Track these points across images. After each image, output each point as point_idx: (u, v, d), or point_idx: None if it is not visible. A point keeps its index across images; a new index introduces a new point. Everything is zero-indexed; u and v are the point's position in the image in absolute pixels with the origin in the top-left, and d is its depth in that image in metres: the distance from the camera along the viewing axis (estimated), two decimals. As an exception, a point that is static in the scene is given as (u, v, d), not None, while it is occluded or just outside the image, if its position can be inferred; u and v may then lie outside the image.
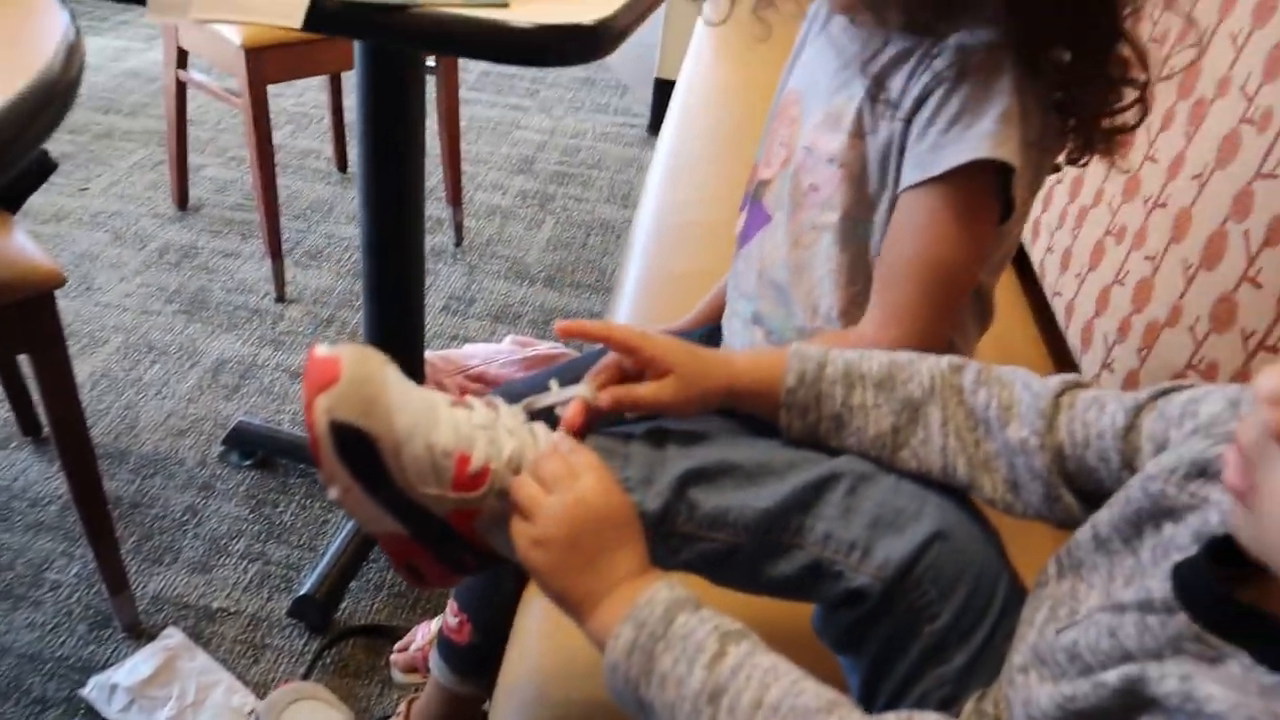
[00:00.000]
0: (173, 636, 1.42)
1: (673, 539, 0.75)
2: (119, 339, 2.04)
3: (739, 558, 0.75)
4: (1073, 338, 1.32)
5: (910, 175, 0.84)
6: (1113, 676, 0.53)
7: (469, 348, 1.92)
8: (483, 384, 1.81)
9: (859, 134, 0.89)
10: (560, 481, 0.68)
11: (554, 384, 0.78)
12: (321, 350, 0.67)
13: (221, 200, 2.57)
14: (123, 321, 2.09)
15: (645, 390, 0.76)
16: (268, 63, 1.99)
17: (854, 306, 0.93)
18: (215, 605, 1.50)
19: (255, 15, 0.84)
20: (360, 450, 0.66)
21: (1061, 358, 1.36)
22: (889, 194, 0.88)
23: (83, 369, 1.94)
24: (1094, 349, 1.25)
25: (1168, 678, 0.51)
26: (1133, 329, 1.16)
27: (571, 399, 0.76)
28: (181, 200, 2.51)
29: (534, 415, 0.77)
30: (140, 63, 3.32)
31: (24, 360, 1.43)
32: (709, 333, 1.15)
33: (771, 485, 0.74)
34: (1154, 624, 0.54)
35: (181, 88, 2.31)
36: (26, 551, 1.58)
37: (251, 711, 0.88)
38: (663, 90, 2.90)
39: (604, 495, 0.68)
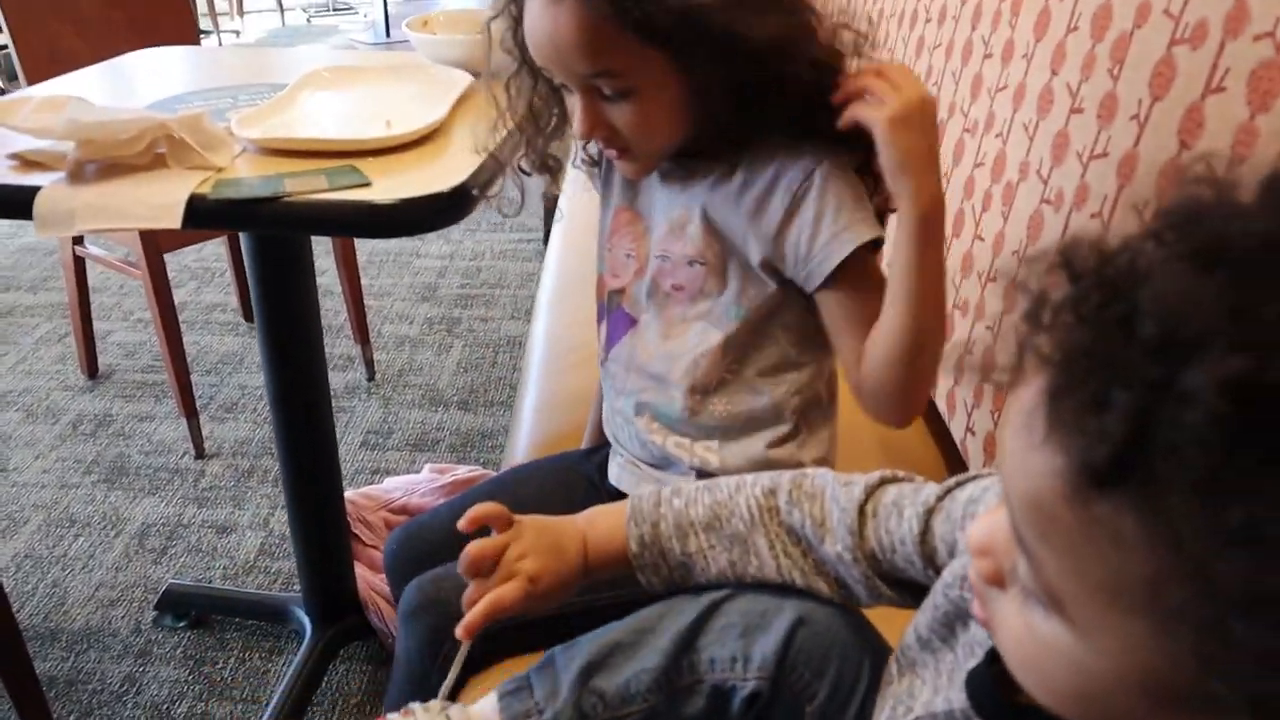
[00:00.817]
0: None
1: None
2: (39, 517, 2.05)
3: (659, 716, 0.83)
4: (940, 398, 1.44)
5: (816, 278, 0.95)
6: None
7: (389, 481, 1.97)
8: (406, 514, 1.86)
9: (712, 232, 0.99)
10: None
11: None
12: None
13: (132, 364, 2.61)
14: (42, 499, 2.11)
15: (506, 593, 0.82)
16: (160, 234, 2.06)
17: (730, 374, 1.04)
18: (161, 772, 1.51)
19: (136, 221, 0.92)
20: None
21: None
22: (756, 279, 0.99)
23: (5, 551, 1.94)
24: (957, 415, 1.36)
25: None
26: (985, 394, 1.28)
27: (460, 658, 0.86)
28: (91, 369, 2.54)
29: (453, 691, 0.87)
30: (36, 239, 3.36)
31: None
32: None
33: (653, 644, 0.83)
34: None
35: (80, 262, 2.37)
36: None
37: None
38: (552, 204, 3.02)
39: None
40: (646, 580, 0.87)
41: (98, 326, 2.60)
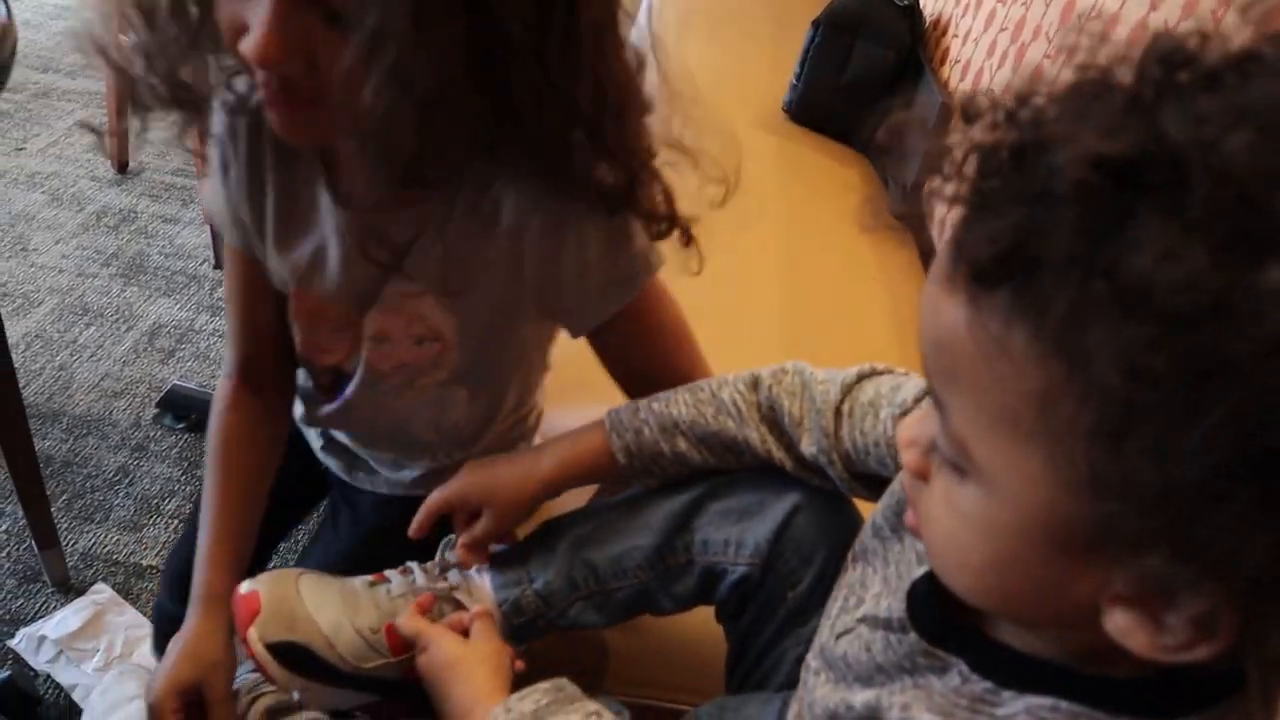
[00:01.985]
0: (102, 592, 1.46)
1: (594, 598, 0.84)
2: (54, 300, 2.05)
3: (649, 592, 0.84)
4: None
5: (605, 314, 0.82)
6: (859, 700, 0.58)
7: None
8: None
9: (445, 305, 0.81)
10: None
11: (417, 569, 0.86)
12: (243, 587, 0.80)
13: (162, 165, 2.57)
14: (58, 283, 2.10)
15: (478, 529, 0.84)
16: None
17: (489, 416, 0.96)
18: (145, 563, 1.54)
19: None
20: (300, 658, 0.78)
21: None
22: (502, 325, 0.85)
23: (16, 329, 1.95)
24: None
25: (893, 708, 0.56)
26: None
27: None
28: (121, 164, 2.51)
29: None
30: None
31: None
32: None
33: (648, 521, 0.83)
34: (894, 641, 0.59)
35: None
36: (-42, 510, 1.60)
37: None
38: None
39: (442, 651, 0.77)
40: (643, 484, 0.86)
41: (133, 121, 2.55)
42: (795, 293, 1.45)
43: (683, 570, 0.83)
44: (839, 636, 0.66)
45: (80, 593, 1.47)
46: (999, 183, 0.40)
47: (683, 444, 0.81)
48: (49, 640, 1.36)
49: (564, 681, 0.71)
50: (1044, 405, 0.39)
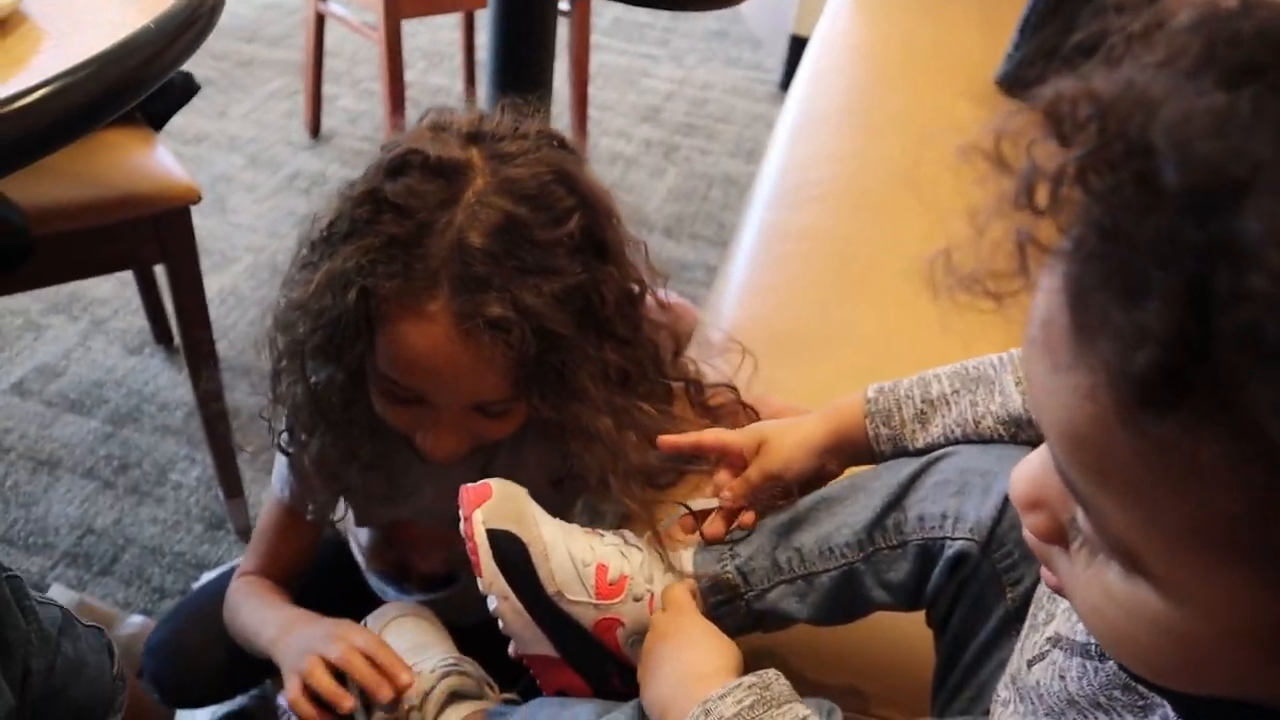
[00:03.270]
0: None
1: (797, 583, 0.78)
2: (249, 258, 2.12)
3: (857, 577, 0.77)
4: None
5: None
6: None
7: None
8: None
9: None
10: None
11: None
12: (471, 483, 0.78)
13: (353, 131, 2.63)
14: (253, 242, 2.17)
15: (752, 470, 0.81)
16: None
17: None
18: (323, 519, 1.56)
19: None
20: (514, 557, 0.74)
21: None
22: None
23: (213, 284, 2.01)
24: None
25: None
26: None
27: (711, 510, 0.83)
28: (314, 129, 2.57)
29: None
30: (285, -6, 3.41)
31: (160, 273, 1.49)
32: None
33: (863, 499, 0.77)
34: (1090, 670, 0.52)
35: (321, 20, 2.36)
36: (153, 452, 1.66)
37: (363, 620, 0.91)
38: (796, 46, 2.84)
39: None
40: (874, 432, 0.80)
41: (327, 89, 2.62)
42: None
43: (895, 554, 0.76)
44: (1031, 663, 0.59)
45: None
46: (1120, 225, 0.30)
47: (935, 388, 0.78)
48: None
49: (771, 676, 0.64)
50: (1252, 523, 0.30)
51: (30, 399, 1.75)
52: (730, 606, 0.79)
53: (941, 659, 0.79)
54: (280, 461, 0.94)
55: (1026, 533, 0.44)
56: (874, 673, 0.89)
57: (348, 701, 0.77)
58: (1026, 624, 0.65)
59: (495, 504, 0.75)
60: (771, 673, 0.64)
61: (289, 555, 0.99)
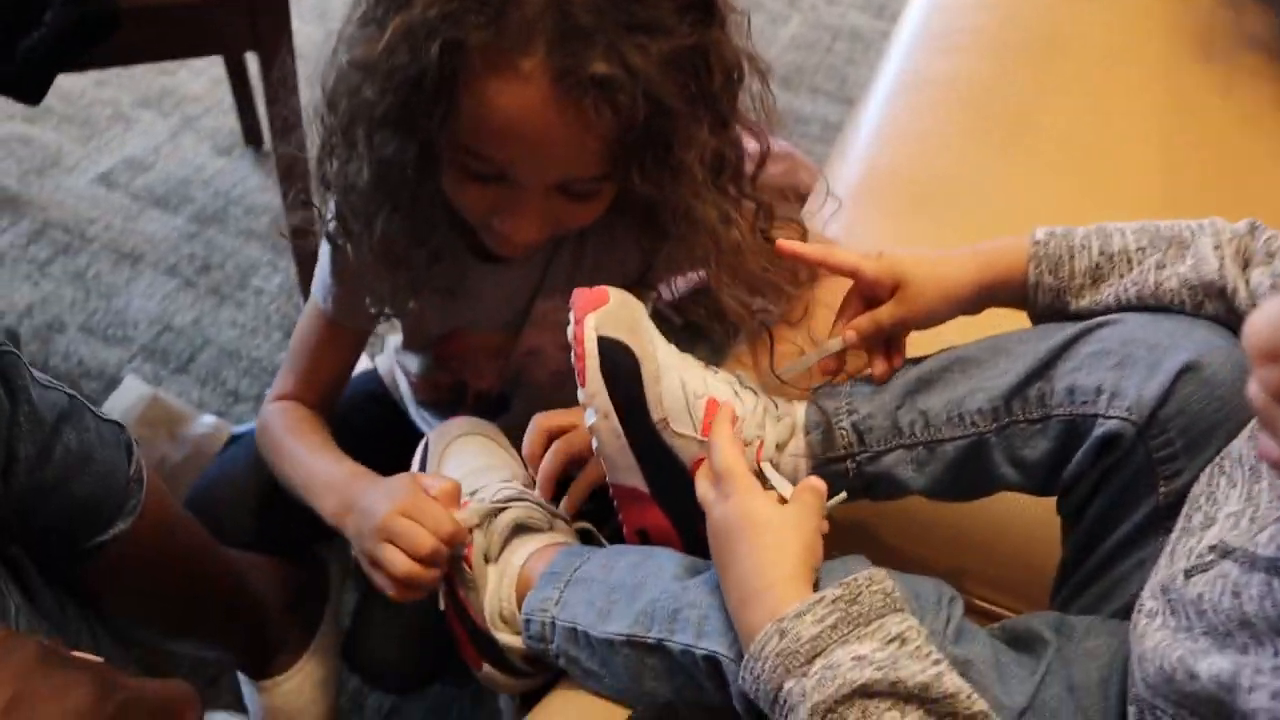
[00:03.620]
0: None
1: (917, 450, 0.69)
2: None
3: (986, 450, 0.68)
4: None
5: None
6: (1207, 670, 0.46)
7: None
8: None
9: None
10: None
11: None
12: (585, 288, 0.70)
13: None
14: (351, 53, 2.07)
15: (885, 311, 0.72)
16: None
17: None
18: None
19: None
20: (623, 371, 0.66)
21: None
22: None
23: (306, 92, 1.93)
24: None
25: (1258, 690, 0.44)
26: None
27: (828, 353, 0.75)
28: None
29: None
30: None
31: (255, 75, 1.42)
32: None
33: (1004, 364, 0.68)
34: (1278, 589, 0.45)
35: None
36: (236, 255, 1.62)
37: (424, 439, 0.85)
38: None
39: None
40: (1036, 279, 0.69)
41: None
42: (1176, 144, 1.19)
43: (1034, 428, 0.66)
44: (1191, 573, 0.51)
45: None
46: None
47: (1117, 241, 0.68)
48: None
49: (861, 583, 0.54)
50: None
51: (116, 191, 1.71)
52: (838, 466, 0.71)
53: (1071, 550, 0.70)
54: (323, 266, 0.85)
55: (1253, 390, 0.39)
56: (986, 555, 0.81)
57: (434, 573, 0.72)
58: (1178, 526, 0.58)
59: (612, 309, 0.67)
60: (863, 578, 0.55)
61: (327, 373, 0.91)
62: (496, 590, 0.72)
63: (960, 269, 0.72)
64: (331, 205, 0.78)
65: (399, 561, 0.70)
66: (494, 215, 0.72)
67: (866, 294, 0.74)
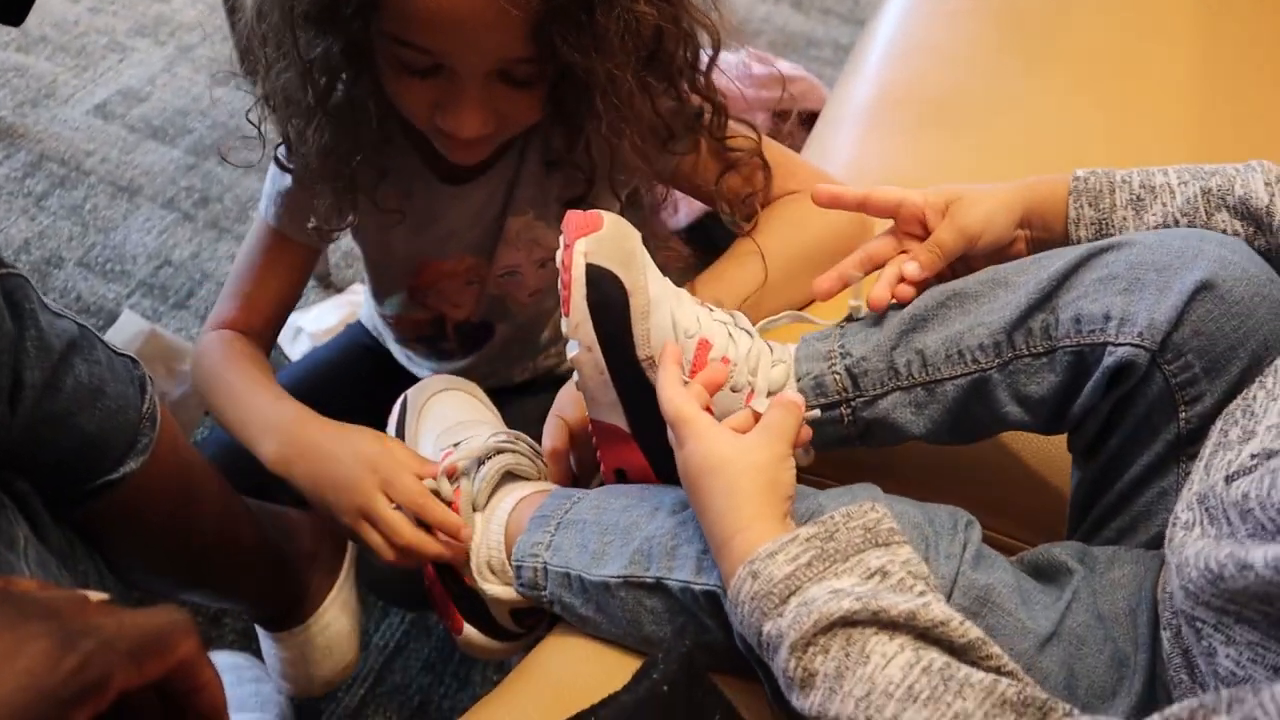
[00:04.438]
0: (358, 292, 1.41)
1: (914, 391, 0.66)
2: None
3: (988, 386, 0.64)
4: None
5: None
6: (1260, 557, 0.44)
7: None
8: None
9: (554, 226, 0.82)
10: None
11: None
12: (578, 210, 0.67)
13: None
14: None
15: (944, 231, 0.68)
16: None
17: None
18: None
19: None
20: (610, 302, 0.63)
21: None
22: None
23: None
24: None
25: None
26: None
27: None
28: None
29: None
30: None
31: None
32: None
33: (1003, 296, 0.64)
34: None
35: None
36: (235, 188, 1.58)
37: (401, 398, 0.81)
38: None
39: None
40: (1076, 214, 0.67)
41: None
42: (1211, 61, 1.14)
43: (1039, 362, 0.63)
44: (1233, 478, 0.50)
45: (339, 291, 1.42)
46: None
47: (1159, 178, 0.66)
48: (305, 332, 1.33)
49: (838, 521, 0.51)
50: None
51: (113, 122, 1.68)
52: (833, 413, 0.68)
53: (1086, 485, 0.67)
54: (270, 178, 0.82)
55: None
56: (996, 488, 0.78)
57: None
58: (1212, 442, 0.55)
59: (605, 236, 0.63)
60: (840, 515, 0.52)
61: (272, 294, 0.86)
62: (483, 539, 0.70)
63: (1006, 191, 0.69)
64: (273, 121, 0.76)
65: (383, 548, 0.71)
66: (437, 113, 0.69)
67: (911, 227, 0.70)
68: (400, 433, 0.79)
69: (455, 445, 0.73)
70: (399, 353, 1.02)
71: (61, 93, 1.72)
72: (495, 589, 0.69)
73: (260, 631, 0.98)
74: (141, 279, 1.44)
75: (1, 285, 0.49)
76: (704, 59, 0.75)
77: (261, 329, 0.87)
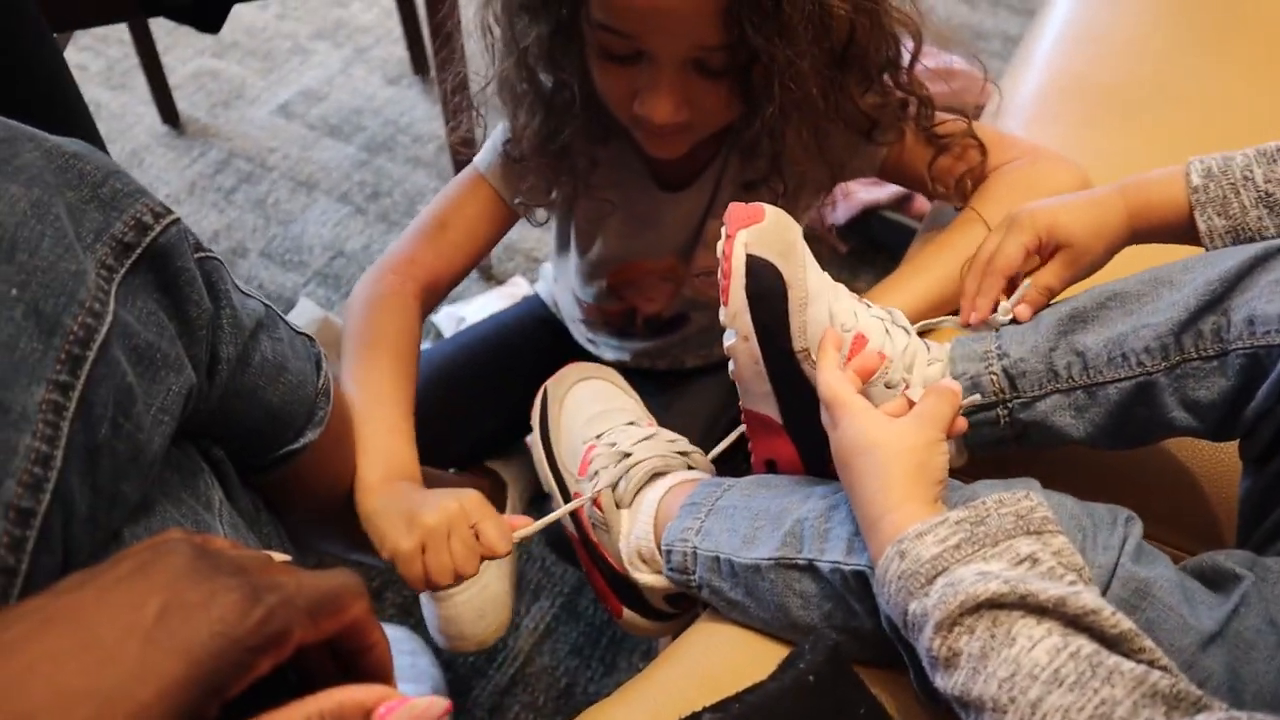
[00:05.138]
0: (518, 285, 1.45)
1: (1074, 394, 0.64)
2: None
3: (1154, 391, 0.61)
4: None
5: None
6: None
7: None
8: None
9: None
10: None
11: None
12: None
13: None
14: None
15: (1053, 275, 0.69)
16: None
17: None
18: (562, 267, 1.51)
19: None
20: (769, 292, 0.63)
21: None
22: None
23: (468, 12, 1.94)
24: None
25: None
26: None
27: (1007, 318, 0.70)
28: None
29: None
30: None
31: (421, 6, 1.43)
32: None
33: (1169, 296, 0.61)
34: None
35: None
36: (404, 182, 1.65)
37: (541, 390, 0.83)
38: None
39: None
40: (1208, 229, 0.65)
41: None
42: None
43: (1210, 365, 0.60)
44: None
45: (500, 283, 1.47)
46: None
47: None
48: (467, 322, 1.37)
49: (990, 506, 0.51)
50: None
51: (295, 121, 1.77)
52: (990, 413, 0.66)
53: (1257, 495, 0.63)
54: (494, 137, 0.85)
55: None
56: (1153, 496, 0.74)
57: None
58: None
59: (766, 228, 0.63)
60: (993, 500, 0.51)
61: (457, 239, 0.85)
62: (631, 529, 0.71)
63: (1113, 213, 0.68)
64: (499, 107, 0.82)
65: (419, 581, 0.68)
66: (636, 100, 0.72)
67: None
68: (544, 424, 0.81)
69: (598, 438, 0.75)
70: (579, 332, 1.05)
71: (249, 94, 1.83)
72: (647, 577, 0.71)
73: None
74: (317, 269, 1.52)
75: (201, 267, 0.53)
76: (905, 56, 0.76)
77: (438, 278, 0.85)
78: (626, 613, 0.75)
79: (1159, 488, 0.74)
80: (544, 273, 1.10)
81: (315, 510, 0.79)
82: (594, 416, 0.79)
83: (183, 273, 0.51)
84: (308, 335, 0.70)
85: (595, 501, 0.72)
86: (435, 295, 0.86)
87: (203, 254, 0.54)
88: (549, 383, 0.83)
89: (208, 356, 0.55)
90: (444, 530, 0.66)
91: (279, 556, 0.45)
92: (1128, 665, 0.43)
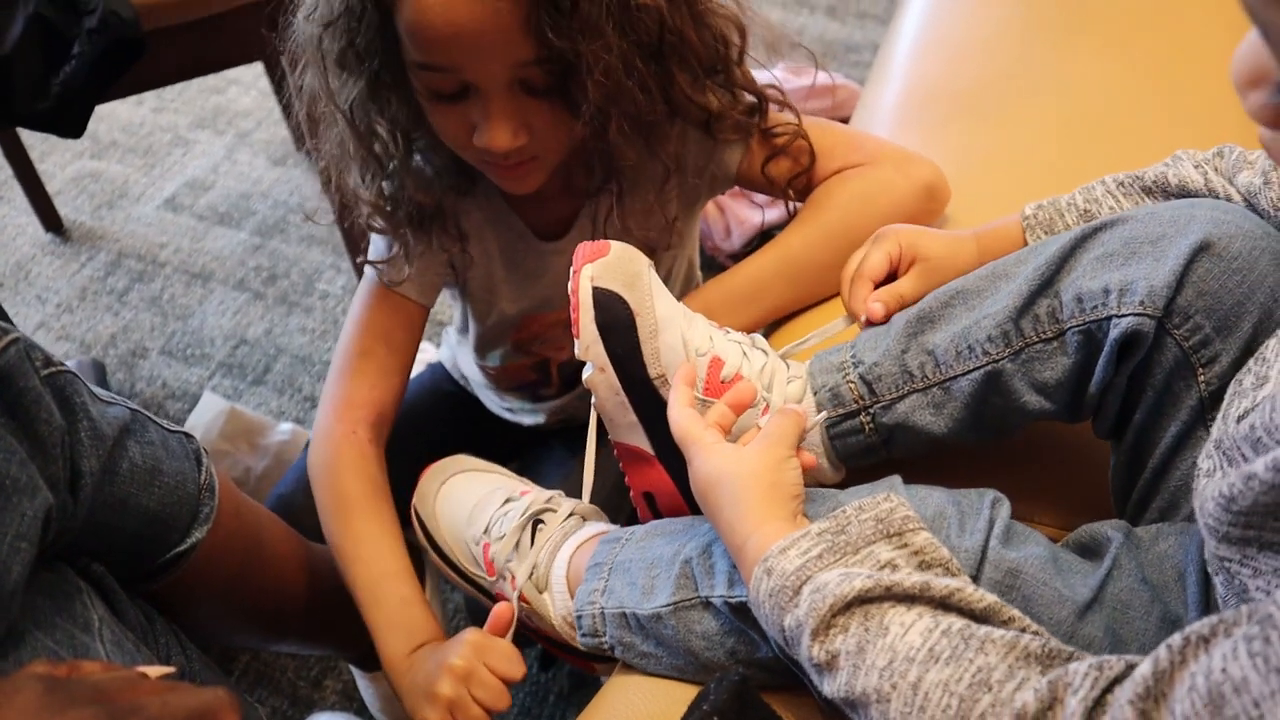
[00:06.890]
0: (424, 351, 1.44)
1: (930, 392, 0.66)
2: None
3: (1003, 377, 0.64)
4: None
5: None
6: (1261, 466, 0.43)
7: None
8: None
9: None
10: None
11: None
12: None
13: None
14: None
15: (908, 285, 0.72)
16: None
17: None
18: (468, 326, 1.51)
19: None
20: (617, 322, 0.65)
21: None
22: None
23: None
24: None
25: None
26: None
27: (836, 332, 0.75)
28: None
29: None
30: None
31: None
32: None
33: (1005, 287, 0.64)
34: None
35: None
36: (300, 262, 1.64)
37: (411, 508, 0.83)
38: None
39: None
40: (1032, 235, 0.72)
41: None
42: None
43: (1050, 347, 0.63)
44: (1243, 417, 0.49)
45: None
46: None
47: (1098, 189, 0.71)
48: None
49: (849, 515, 0.52)
50: None
51: (183, 213, 1.75)
52: (853, 421, 0.68)
53: (1121, 469, 0.66)
54: (373, 242, 0.85)
55: (1262, 133, 0.40)
56: (1034, 484, 0.75)
57: None
58: (1229, 394, 0.54)
59: (610, 261, 0.65)
60: (853, 508, 0.52)
61: (384, 362, 0.85)
62: (555, 608, 0.71)
63: (966, 243, 0.74)
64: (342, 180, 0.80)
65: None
66: (474, 135, 0.71)
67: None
68: (432, 541, 0.81)
69: (486, 533, 0.75)
70: (490, 400, 1.04)
71: (133, 191, 1.80)
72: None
73: (355, 672, 1.01)
74: (221, 360, 1.50)
75: (51, 383, 0.52)
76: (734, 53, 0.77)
77: (382, 407, 0.84)
78: (598, 668, 0.75)
79: (1040, 477, 0.75)
80: (447, 337, 1.10)
81: (223, 607, 0.77)
82: (471, 512, 0.78)
83: (27, 392, 0.50)
84: (184, 432, 0.68)
85: (521, 598, 0.72)
86: (386, 422, 0.86)
87: (52, 369, 0.53)
88: (415, 502, 0.82)
89: (68, 473, 0.54)
90: (462, 690, 0.68)
91: (156, 671, 0.44)
92: (999, 633, 0.45)
